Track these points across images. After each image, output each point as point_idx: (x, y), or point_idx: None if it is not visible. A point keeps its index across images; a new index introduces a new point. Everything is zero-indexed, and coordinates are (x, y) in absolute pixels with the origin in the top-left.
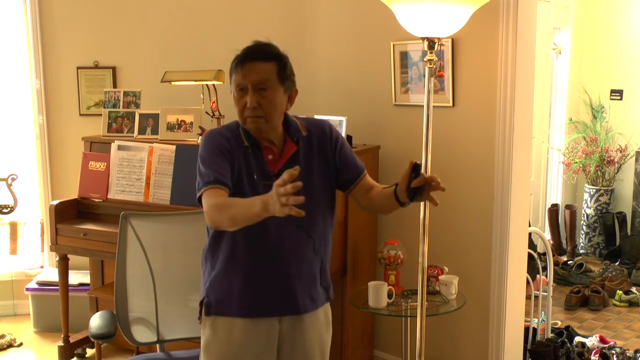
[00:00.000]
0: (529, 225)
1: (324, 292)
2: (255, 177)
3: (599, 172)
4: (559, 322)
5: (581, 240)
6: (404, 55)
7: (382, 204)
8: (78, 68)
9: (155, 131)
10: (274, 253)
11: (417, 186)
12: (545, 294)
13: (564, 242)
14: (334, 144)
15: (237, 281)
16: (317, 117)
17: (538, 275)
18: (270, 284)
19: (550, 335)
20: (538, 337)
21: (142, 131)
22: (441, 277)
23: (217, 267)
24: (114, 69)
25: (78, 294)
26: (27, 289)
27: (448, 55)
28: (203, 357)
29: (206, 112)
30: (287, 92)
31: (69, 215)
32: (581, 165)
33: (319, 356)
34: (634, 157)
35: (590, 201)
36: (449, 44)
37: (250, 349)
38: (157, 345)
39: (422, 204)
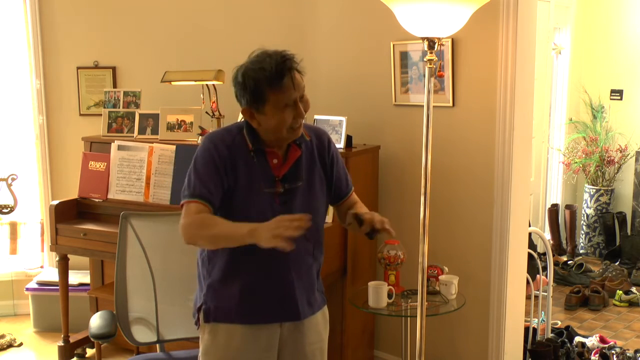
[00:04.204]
0: (529, 225)
1: (320, 296)
2: (262, 183)
3: (599, 172)
4: (559, 322)
5: (581, 240)
6: (404, 55)
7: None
8: (78, 68)
9: (155, 131)
10: (275, 260)
11: (368, 232)
12: (545, 294)
13: (564, 242)
14: (331, 157)
15: (236, 288)
16: (316, 117)
17: (538, 275)
18: (271, 291)
19: (550, 335)
20: (538, 337)
21: (142, 131)
22: (441, 277)
23: (215, 274)
24: (114, 69)
25: (78, 294)
26: (27, 289)
27: (448, 55)
28: None
29: (206, 112)
30: None
31: (69, 215)
32: (581, 165)
33: (319, 356)
34: (634, 157)
35: (590, 201)
36: (449, 44)
37: (250, 354)
38: (157, 345)
39: (422, 202)
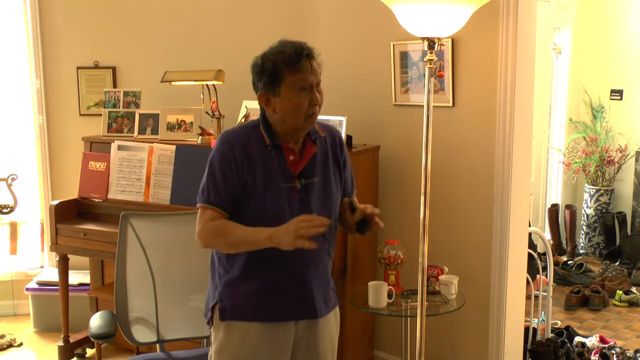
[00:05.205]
0: (529, 225)
1: (334, 295)
2: (279, 179)
3: (599, 172)
4: (559, 322)
5: (581, 240)
6: (404, 55)
7: (344, 227)
8: (78, 68)
9: (155, 131)
10: (294, 258)
11: (359, 220)
12: (545, 294)
13: (564, 242)
14: (344, 156)
15: (254, 286)
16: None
17: (538, 275)
18: (289, 289)
19: (550, 335)
20: (538, 337)
21: (142, 131)
22: (441, 277)
23: (233, 271)
24: (114, 69)
25: (78, 294)
26: (27, 289)
27: (448, 55)
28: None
29: (206, 112)
30: None
31: (69, 215)
32: (581, 165)
33: (330, 356)
34: (634, 157)
35: (590, 201)
36: (449, 44)
37: (265, 352)
38: (157, 345)
39: (422, 202)
